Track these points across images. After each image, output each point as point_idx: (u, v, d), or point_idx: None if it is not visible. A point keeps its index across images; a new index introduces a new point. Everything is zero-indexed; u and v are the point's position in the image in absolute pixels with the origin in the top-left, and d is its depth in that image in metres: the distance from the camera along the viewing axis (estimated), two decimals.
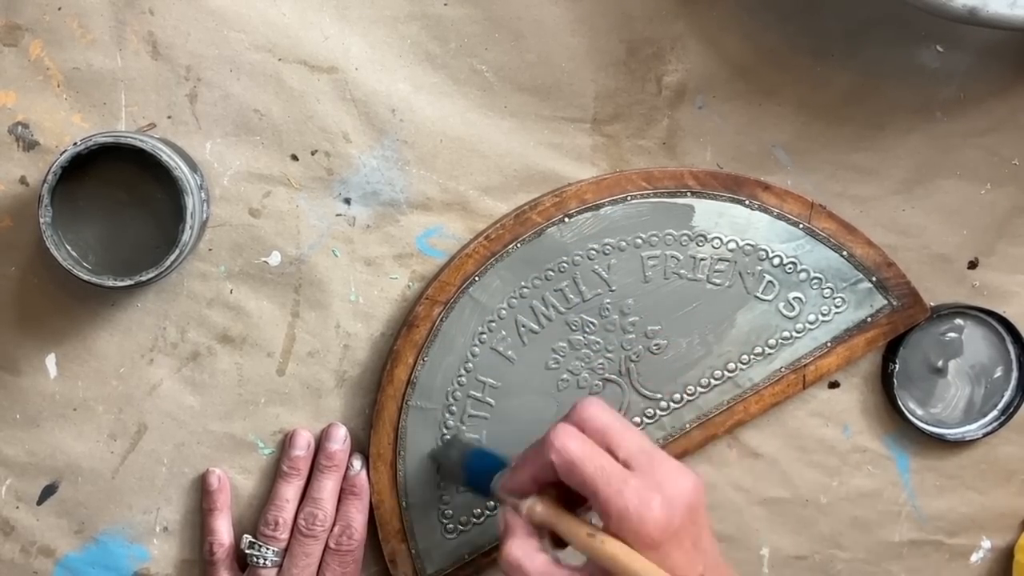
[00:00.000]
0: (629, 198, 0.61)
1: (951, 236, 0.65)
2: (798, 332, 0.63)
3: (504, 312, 0.61)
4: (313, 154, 0.61)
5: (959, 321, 0.66)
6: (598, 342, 0.62)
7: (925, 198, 0.65)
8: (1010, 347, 0.67)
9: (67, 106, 0.59)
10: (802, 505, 0.67)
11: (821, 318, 0.63)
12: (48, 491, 0.63)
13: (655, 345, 0.62)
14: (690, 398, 0.63)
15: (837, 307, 0.63)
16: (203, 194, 0.57)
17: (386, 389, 0.61)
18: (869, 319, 0.64)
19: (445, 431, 0.62)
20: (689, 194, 0.62)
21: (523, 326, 0.61)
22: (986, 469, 0.68)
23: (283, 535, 0.61)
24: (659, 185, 0.61)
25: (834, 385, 0.66)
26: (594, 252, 0.61)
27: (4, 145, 0.59)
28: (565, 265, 0.61)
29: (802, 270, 0.63)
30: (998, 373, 0.67)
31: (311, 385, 0.63)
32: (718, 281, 0.63)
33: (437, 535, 0.62)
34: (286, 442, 0.62)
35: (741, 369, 0.63)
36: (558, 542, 0.52)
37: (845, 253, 0.63)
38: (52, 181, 0.54)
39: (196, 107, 0.60)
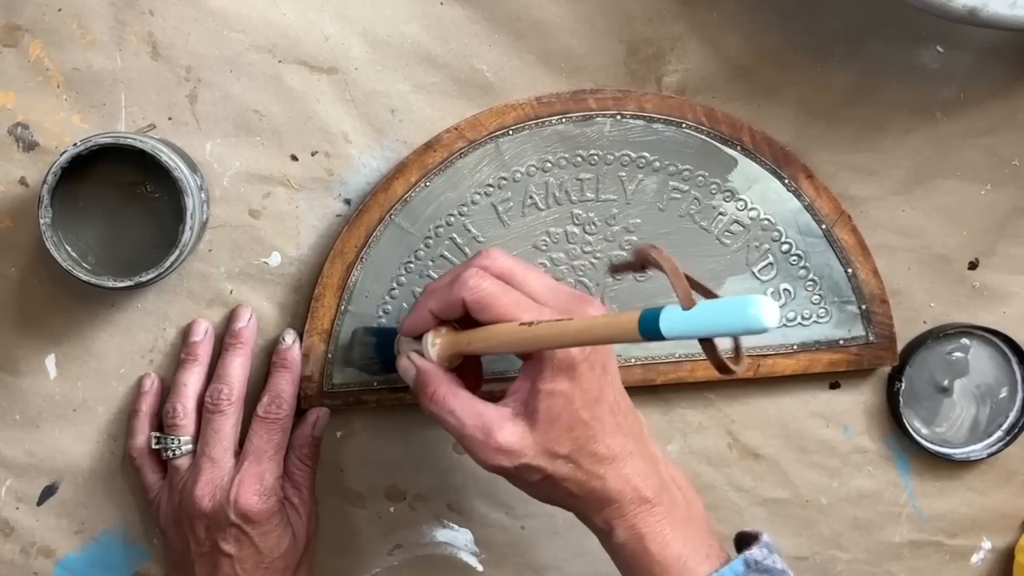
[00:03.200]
0: (684, 125, 0.61)
1: (951, 236, 0.65)
2: None
3: (519, 176, 0.61)
4: (313, 154, 0.61)
5: (965, 341, 0.66)
6: (590, 244, 0.62)
7: (925, 198, 0.65)
8: (1015, 367, 0.67)
9: (67, 107, 0.59)
10: (802, 506, 0.67)
11: (800, 320, 0.63)
12: (48, 492, 0.63)
13: (640, 272, 0.62)
14: None
15: (819, 317, 0.63)
16: (203, 195, 0.57)
17: (377, 195, 0.60)
18: (842, 342, 0.64)
19: (412, 261, 0.60)
20: (739, 148, 0.62)
21: (531, 197, 0.61)
22: (986, 470, 0.68)
23: (185, 421, 0.59)
24: (716, 126, 0.61)
25: (835, 386, 0.66)
26: (627, 159, 0.61)
27: (4, 146, 0.59)
28: (596, 159, 0.61)
29: (804, 267, 0.63)
30: (1003, 393, 0.67)
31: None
32: (726, 241, 0.62)
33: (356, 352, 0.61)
34: (186, 332, 0.61)
35: None
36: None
37: (850, 271, 0.63)
38: (52, 182, 0.54)
39: (196, 108, 0.60)
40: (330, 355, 0.61)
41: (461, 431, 0.51)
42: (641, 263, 0.48)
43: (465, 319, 0.52)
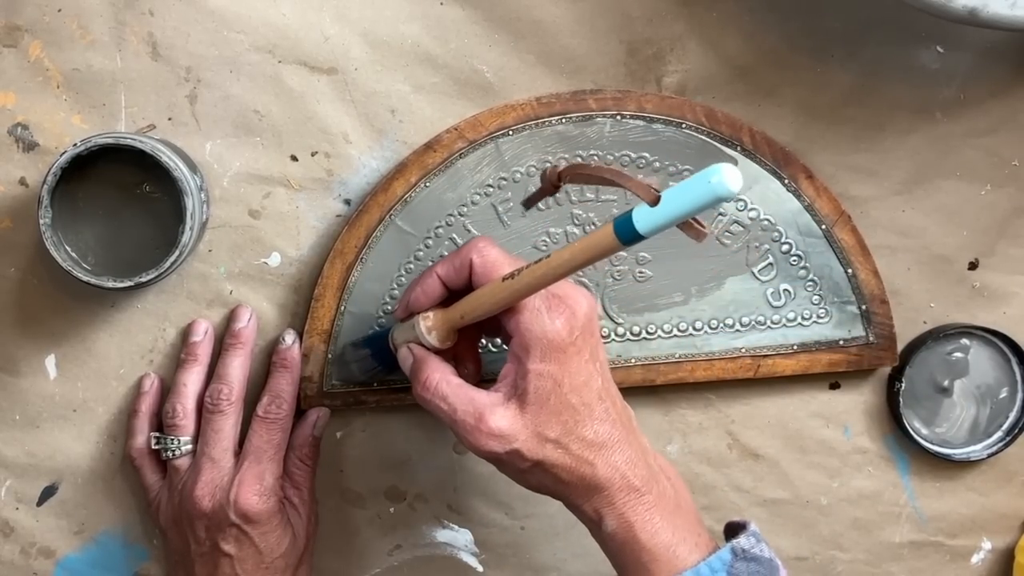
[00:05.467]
0: (684, 126, 0.61)
1: (951, 237, 0.65)
2: (773, 323, 0.63)
3: (520, 176, 0.61)
4: (313, 155, 0.61)
5: (965, 341, 0.66)
6: None
7: (925, 199, 0.65)
8: (1015, 367, 0.67)
9: (67, 107, 0.59)
10: (802, 506, 0.67)
11: (800, 320, 0.63)
12: (48, 492, 0.63)
13: (640, 272, 0.62)
14: (648, 337, 0.63)
15: (819, 317, 0.63)
16: (203, 195, 0.57)
17: (377, 196, 0.60)
18: (842, 343, 0.64)
19: (412, 261, 0.61)
20: (739, 148, 0.62)
21: None
22: (986, 470, 0.68)
23: (185, 422, 0.59)
24: (716, 127, 0.61)
25: (835, 386, 0.66)
26: (627, 160, 0.61)
27: (4, 146, 0.59)
28: (596, 159, 0.61)
29: (804, 267, 0.63)
30: (1003, 393, 0.67)
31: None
32: (726, 241, 0.63)
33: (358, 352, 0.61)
34: (186, 332, 0.61)
35: (707, 332, 0.63)
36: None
37: (850, 271, 0.63)
38: (52, 182, 0.54)
39: (196, 108, 0.60)
40: (330, 355, 0.61)
41: (452, 416, 0.51)
42: (552, 185, 0.48)
43: (461, 293, 0.53)
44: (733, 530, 0.54)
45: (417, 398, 0.53)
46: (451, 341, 0.53)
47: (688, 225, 0.42)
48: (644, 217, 0.42)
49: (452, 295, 0.53)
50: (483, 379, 0.59)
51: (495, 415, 0.50)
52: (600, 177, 0.46)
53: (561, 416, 0.50)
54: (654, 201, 0.42)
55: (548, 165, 0.47)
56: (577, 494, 0.51)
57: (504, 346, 0.61)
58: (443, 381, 0.52)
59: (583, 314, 0.50)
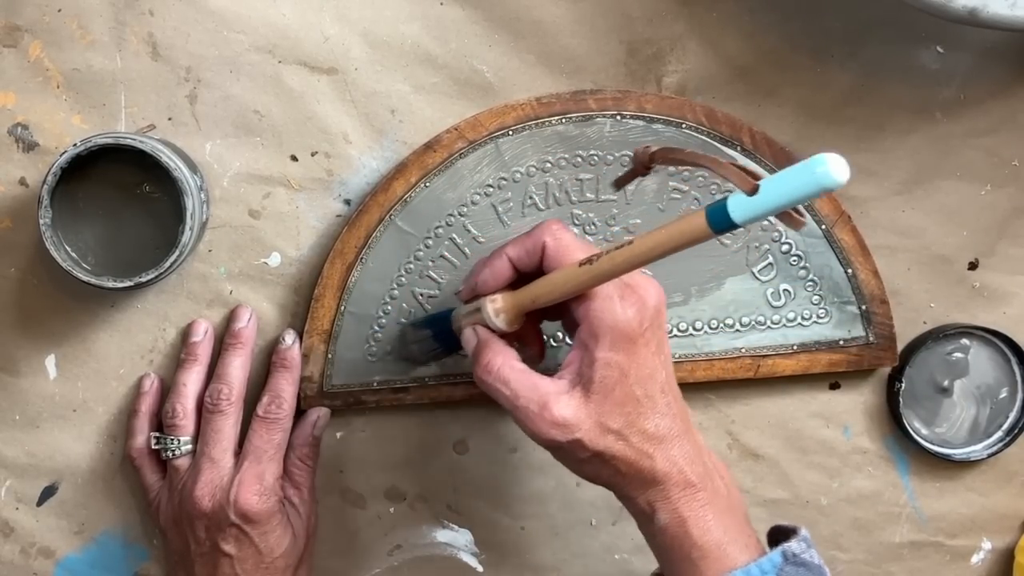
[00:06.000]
0: (684, 126, 0.61)
1: (951, 237, 0.65)
2: (773, 323, 0.63)
3: (519, 176, 0.61)
4: (313, 155, 0.61)
5: (965, 341, 0.66)
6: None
7: (925, 199, 0.65)
8: (1015, 367, 0.67)
9: (67, 107, 0.59)
10: (802, 506, 0.67)
11: (800, 321, 0.63)
12: (48, 492, 0.63)
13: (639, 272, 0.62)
14: None
15: (819, 317, 0.63)
16: (203, 195, 0.57)
17: (377, 196, 0.60)
18: (842, 343, 0.64)
19: (412, 261, 0.60)
20: (739, 148, 0.62)
21: (531, 197, 0.61)
22: (986, 470, 0.68)
23: (185, 421, 0.59)
24: (716, 127, 0.61)
25: (835, 386, 0.66)
26: (627, 160, 0.61)
27: (4, 146, 0.59)
28: (596, 159, 0.61)
29: (804, 267, 0.63)
30: (1003, 393, 0.67)
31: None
32: (726, 241, 0.62)
33: (358, 352, 0.61)
34: (186, 332, 0.61)
35: (706, 332, 0.63)
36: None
37: (850, 271, 0.63)
38: (52, 182, 0.54)
39: (196, 108, 0.60)
40: (330, 355, 0.61)
41: (515, 402, 0.50)
42: (643, 166, 0.46)
43: (529, 275, 0.52)
44: (781, 534, 0.53)
45: (477, 380, 0.52)
46: (518, 325, 0.52)
47: (786, 214, 0.41)
48: (740, 206, 0.40)
49: (520, 278, 0.52)
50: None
51: (559, 403, 0.49)
52: (694, 162, 0.44)
53: (624, 407, 0.49)
54: (752, 191, 0.39)
55: (642, 145, 0.46)
56: (633, 486, 0.51)
57: (567, 340, 0.61)
58: (506, 365, 0.51)
59: (653, 305, 0.50)
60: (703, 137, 0.61)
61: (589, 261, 0.47)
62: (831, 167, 0.37)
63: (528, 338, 0.55)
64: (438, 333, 0.58)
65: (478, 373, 0.52)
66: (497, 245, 0.61)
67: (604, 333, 0.49)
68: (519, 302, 0.52)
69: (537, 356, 0.56)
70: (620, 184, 0.50)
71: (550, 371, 0.51)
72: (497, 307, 0.52)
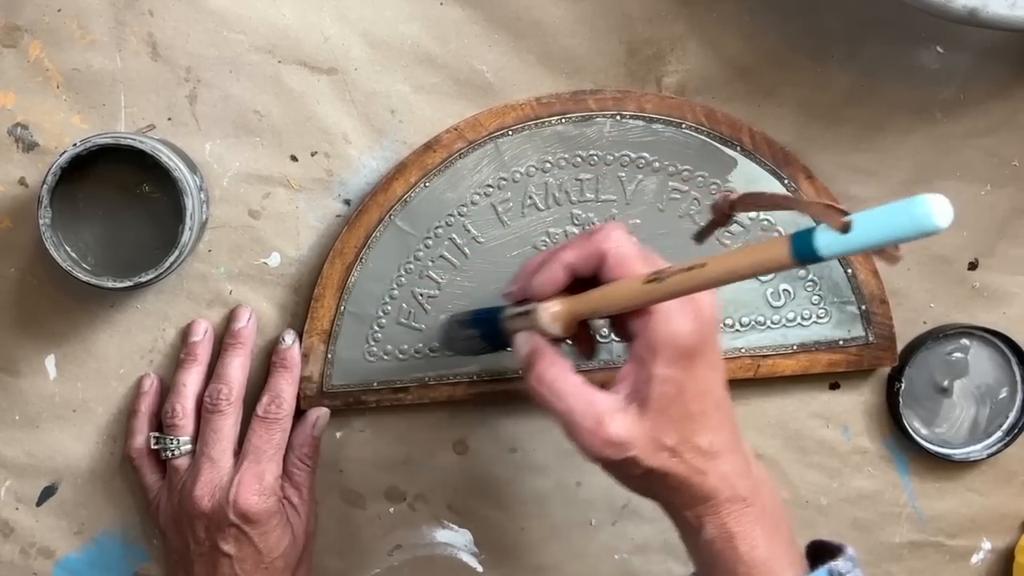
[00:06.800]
0: (684, 126, 0.61)
1: (951, 237, 0.65)
2: (773, 323, 0.63)
3: (519, 176, 0.60)
4: (313, 155, 0.61)
5: (965, 341, 0.66)
6: None
7: None
8: (1015, 367, 0.67)
9: (66, 107, 0.59)
10: (802, 506, 0.67)
11: (800, 321, 0.63)
12: (48, 492, 0.63)
13: None
14: None
15: (819, 317, 0.63)
16: (203, 195, 0.57)
17: (377, 196, 0.60)
18: (841, 343, 0.64)
19: (411, 261, 0.60)
20: (739, 148, 0.62)
21: (530, 197, 0.61)
22: (986, 470, 0.68)
23: (184, 421, 0.59)
24: (716, 127, 0.61)
25: (835, 387, 0.66)
26: (627, 160, 0.61)
27: (4, 146, 0.59)
28: (596, 159, 0.61)
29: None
30: (1003, 393, 0.67)
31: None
32: (726, 242, 0.62)
33: (357, 352, 0.61)
34: (186, 332, 0.61)
35: None
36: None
37: (850, 272, 0.63)
38: (51, 182, 0.54)
39: (196, 108, 0.60)
40: (330, 355, 0.61)
41: (569, 418, 0.48)
42: (724, 215, 0.45)
43: (585, 282, 0.50)
44: (824, 550, 0.52)
45: (530, 388, 0.50)
46: (573, 331, 0.51)
47: (882, 250, 0.39)
48: (829, 240, 0.38)
49: (575, 282, 0.50)
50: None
51: (615, 421, 0.47)
52: (778, 205, 0.42)
53: (680, 424, 0.48)
54: (844, 228, 0.38)
55: (720, 193, 0.45)
56: (683, 501, 0.50)
57: (614, 336, 0.60)
58: (561, 377, 0.49)
59: (709, 316, 0.48)
60: (703, 137, 0.61)
61: (657, 279, 0.45)
62: (934, 209, 0.35)
63: (578, 337, 0.54)
64: (486, 333, 0.56)
65: (532, 382, 0.50)
66: (494, 246, 0.61)
67: (662, 349, 0.47)
68: (576, 310, 0.49)
69: (587, 355, 0.55)
70: (702, 237, 0.48)
71: (598, 368, 0.49)
72: (553, 313, 0.50)
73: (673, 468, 0.48)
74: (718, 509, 0.49)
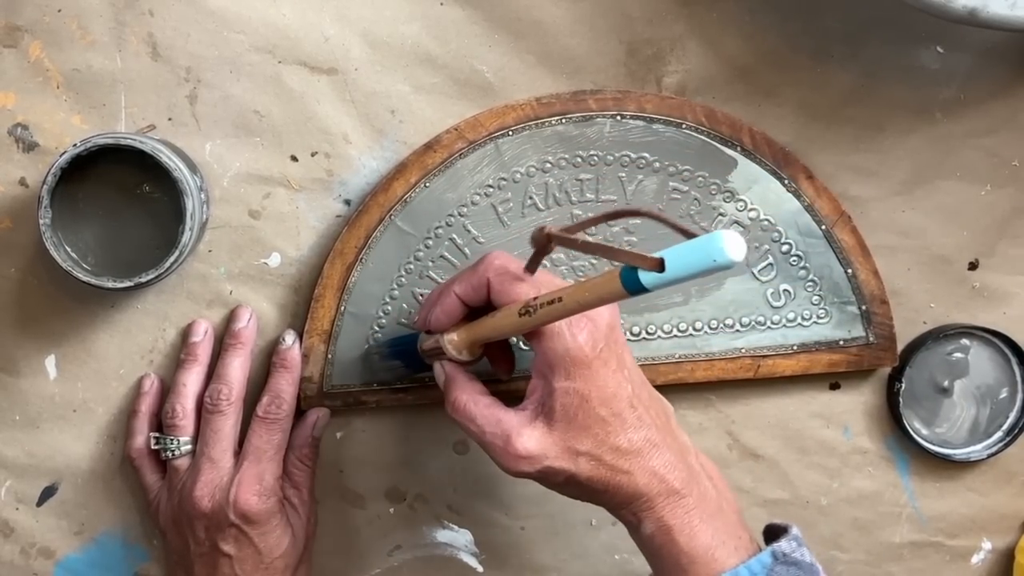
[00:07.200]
0: (684, 126, 0.61)
1: (951, 237, 0.65)
2: (773, 323, 0.63)
3: (519, 177, 0.61)
4: (313, 155, 0.61)
5: (965, 341, 0.66)
6: None
7: (925, 199, 0.65)
8: (1015, 368, 0.67)
9: (67, 107, 0.59)
10: (802, 506, 0.67)
11: (800, 321, 0.63)
12: (48, 492, 0.63)
13: None
14: (648, 337, 0.63)
15: (819, 317, 0.63)
16: (203, 195, 0.57)
17: (377, 196, 0.60)
18: (842, 343, 0.64)
19: (412, 262, 0.61)
20: (739, 148, 0.62)
21: (531, 198, 0.61)
22: (986, 471, 0.68)
23: (184, 422, 0.60)
24: (716, 127, 0.61)
25: (835, 387, 0.66)
26: (627, 160, 0.61)
27: (4, 146, 0.59)
28: (596, 159, 0.61)
29: (804, 267, 0.63)
30: (1003, 393, 0.67)
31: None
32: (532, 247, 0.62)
33: (358, 352, 0.61)
34: (186, 332, 0.61)
35: (706, 333, 0.63)
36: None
37: (850, 272, 0.63)
38: (52, 182, 0.54)
39: (196, 108, 0.60)
40: (330, 355, 0.61)
41: (482, 438, 0.51)
42: (542, 246, 0.49)
43: (480, 309, 0.53)
44: (774, 533, 0.53)
45: (449, 416, 0.53)
46: (480, 352, 0.54)
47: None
48: (650, 278, 0.42)
49: (473, 310, 0.53)
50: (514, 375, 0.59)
51: (522, 437, 0.50)
52: (589, 249, 0.47)
53: (591, 430, 0.50)
54: (658, 268, 0.42)
55: (537, 226, 0.49)
56: (616, 502, 0.51)
57: (523, 346, 0.61)
58: (471, 401, 0.52)
59: (605, 324, 0.50)
60: (703, 137, 0.61)
61: (528, 311, 0.48)
62: (726, 245, 0.39)
63: (496, 354, 0.56)
64: (407, 360, 0.58)
65: (447, 409, 0.53)
66: (495, 246, 0.61)
67: (558, 363, 0.49)
68: (473, 337, 0.53)
69: (506, 371, 0.57)
70: (531, 267, 0.51)
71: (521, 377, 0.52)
72: (455, 342, 0.53)
73: (593, 471, 0.50)
74: (652, 504, 0.50)
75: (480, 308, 0.53)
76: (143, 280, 0.55)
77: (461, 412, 0.52)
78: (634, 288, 0.43)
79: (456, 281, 0.53)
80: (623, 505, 0.51)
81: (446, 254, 0.61)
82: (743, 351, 0.63)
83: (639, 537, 0.52)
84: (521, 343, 0.61)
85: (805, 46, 0.63)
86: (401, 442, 0.64)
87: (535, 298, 0.48)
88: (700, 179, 0.62)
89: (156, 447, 0.60)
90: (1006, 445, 0.66)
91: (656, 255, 0.42)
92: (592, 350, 0.49)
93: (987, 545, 0.69)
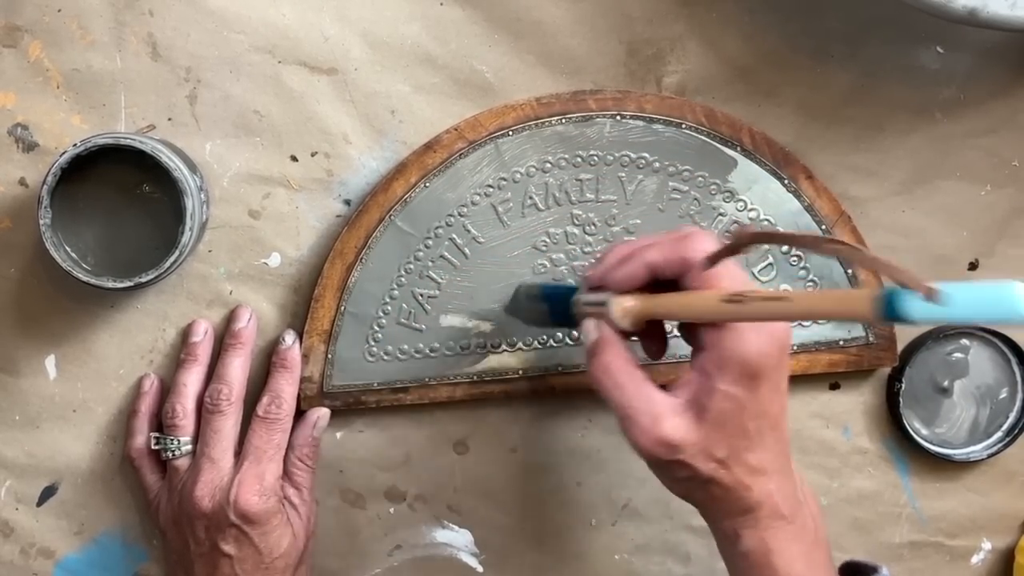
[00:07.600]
0: (684, 126, 0.61)
1: (951, 237, 0.65)
2: None
3: (519, 176, 0.61)
4: (313, 155, 0.61)
5: (965, 341, 0.66)
6: (590, 245, 0.62)
7: (925, 199, 0.65)
8: (1015, 368, 0.67)
9: (67, 107, 0.59)
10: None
11: (800, 321, 0.63)
12: (48, 492, 0.63)
13: None
14: None
15: None
16: (203, 195, 0.57)
17: (377, 196, 0.60)
18: (842, 343, 0.64)
19: (411, 262, 0.60)
20: (739, 148, 0.62)
21: (531, 198, 0.61)
22: (986, 471, 0.68)
23: (184, 422, 0.59)
24: (716, 127, 0.61)
25: (835, 387, 0.66)
26: (627, 160, 0.61)
27: (4, 146, 0.59)
28: (596, 159, 0.61)
29: (803, 267, 0.63)
30: (1003, 394, 0.67)
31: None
32: (726, 242, 0.62)
33: (357, 352, 0.61)
34: (186, 332, 0.61)
35: None
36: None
37: (850, 272, 0.63)
38: (52, 182, 0.54)
39: (196, 108, 0.60)
40: (330, 355, 0.61)
41: (627, 411, 0.48)
42: (738, 246, 0.45)
43: (661, 283, 0.50)
44: (856, 571, 0.52)
45: (591, 376, 0.50)
46: (642, 327, 0.51)
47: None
48: (919, 307, 0.38)
49: (654, 281, 0.50)
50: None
51: (671, 422, 0.48)
52: (837, 254, 0.43)
53: (733, 439, 0.48)
54: (932, 296, 0.37)
55: (742, 226, 0.46)
56: (724, 511, 0.50)
57: (676, 333, 0.59)
58: (625, 370, 0.49)
59: (782, 340, 0.48)
60: (703, 137, 0.61)
61: (739, 300, 0.45)
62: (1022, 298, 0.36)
63: (652, 331, 0.54)
64: (554, 310, 0.56)
65: (594, 371, 0.50)
66: (495, 246, 0.61)
67: (731, 366, 0.47)
68: (649, 310, 0.49)
69: (658, 352, 0.55)
70: (715, 260, 0.48)
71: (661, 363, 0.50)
72: (626, 308, 0.50)
73: (720, 479, 0.49)
74: (757, 523, 0.50)
75: (660, 282, 0.50)
76: (143, 280, 0.55)
77: (611, 377, 0.49)
78: (892, 314, 0.38)
79: (649, 248, 0.50)
80: (729, 517, 0.50)
81: (446, 254, 0.61)
82: None
83: (733, 551, 0.51)
84: (674, 330, 0.59)
85: (805, 46, 0.63)
86: (401, 442, 0.64)
87: (747, 291, 0.45)
88: (700, 179, 0.62)
89: (156, 447, 0.60)
90: (1006, 445, 0.66)
91: (934, 285, 0.37)
92: (767, 363, 0.47)
93: (987, 545, 0.69)
